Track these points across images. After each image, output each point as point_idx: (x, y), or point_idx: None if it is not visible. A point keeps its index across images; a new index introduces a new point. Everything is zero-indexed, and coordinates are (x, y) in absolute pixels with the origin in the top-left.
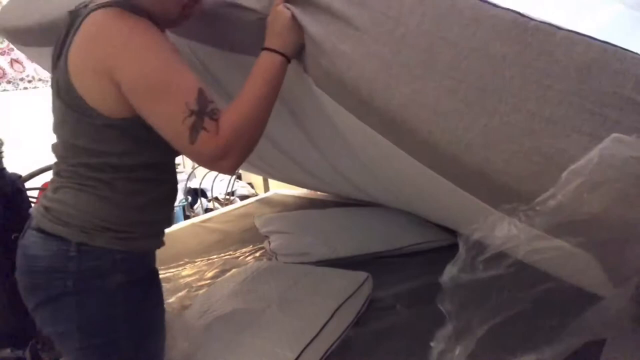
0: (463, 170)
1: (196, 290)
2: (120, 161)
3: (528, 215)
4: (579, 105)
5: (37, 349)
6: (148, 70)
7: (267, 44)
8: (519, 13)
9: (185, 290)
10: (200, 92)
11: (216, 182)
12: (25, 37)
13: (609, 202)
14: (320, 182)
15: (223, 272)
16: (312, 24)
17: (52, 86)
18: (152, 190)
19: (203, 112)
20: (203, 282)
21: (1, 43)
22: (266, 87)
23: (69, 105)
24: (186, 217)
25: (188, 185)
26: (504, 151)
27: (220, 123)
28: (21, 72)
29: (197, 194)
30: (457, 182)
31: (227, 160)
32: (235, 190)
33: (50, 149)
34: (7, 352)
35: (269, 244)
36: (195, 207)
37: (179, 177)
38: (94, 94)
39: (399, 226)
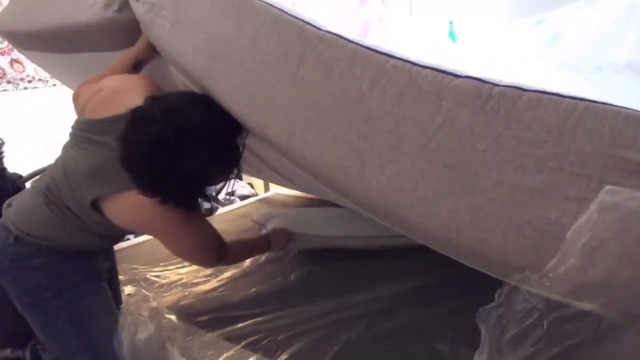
0: (460, 251)
1: (192, 289)
2: None
3: (542, 283)
4: (560, 170)
5: (37, 349)
6: None
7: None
8: (481, 80)
9: (181, 288)
10: None
11: None
12: (24, 40)
13: (614, 265)
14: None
15: (221, 271)
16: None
17: None
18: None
19: None
20: (200, 280)
21: (1, 43)
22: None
23: None
24: None
25: None
26: (495, 229)
27: None
28: (21, 72)
29: None
30: (461, 259)
31: None
32: (235, 190)
33: (49, 149)
34: (7, 352)
35: None
36: None
37: None
38: None
39: None
